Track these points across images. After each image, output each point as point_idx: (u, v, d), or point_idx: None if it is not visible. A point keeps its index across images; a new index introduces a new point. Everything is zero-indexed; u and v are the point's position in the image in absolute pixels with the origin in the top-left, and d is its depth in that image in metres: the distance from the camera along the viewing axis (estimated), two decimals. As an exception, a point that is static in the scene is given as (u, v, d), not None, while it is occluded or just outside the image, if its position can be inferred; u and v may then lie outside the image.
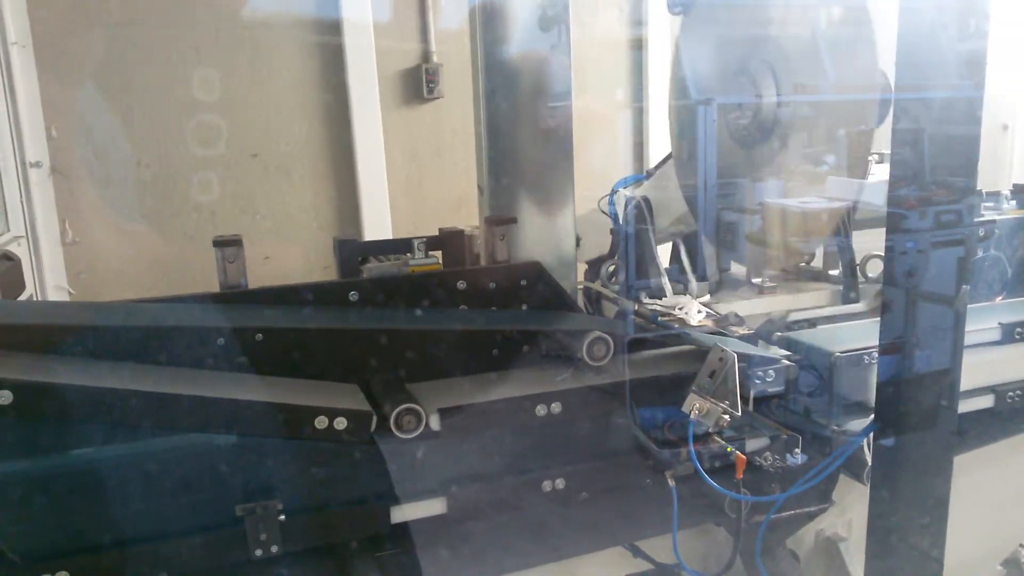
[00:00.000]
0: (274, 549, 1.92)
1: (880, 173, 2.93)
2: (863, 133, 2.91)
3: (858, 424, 2.41)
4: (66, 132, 4.97)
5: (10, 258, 2.38)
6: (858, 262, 3.01)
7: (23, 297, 2.46)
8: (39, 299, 4.70)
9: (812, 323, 2.86)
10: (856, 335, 2.59)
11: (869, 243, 2.95)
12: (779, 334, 2.63)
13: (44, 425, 1.80)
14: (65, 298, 5.02)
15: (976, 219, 2.28)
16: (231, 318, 2.16)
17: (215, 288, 2.28)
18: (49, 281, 4.95)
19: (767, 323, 2.82)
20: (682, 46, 3.17)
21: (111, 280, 5.19)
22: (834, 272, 3.10)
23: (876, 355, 2.37)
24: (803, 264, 3.17)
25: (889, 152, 2.18)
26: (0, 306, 2.16)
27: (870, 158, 2.99)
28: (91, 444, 1.85)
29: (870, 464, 2.36)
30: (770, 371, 2.36)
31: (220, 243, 2.27)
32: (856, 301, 2.97)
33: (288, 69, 5.46)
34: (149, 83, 5.11)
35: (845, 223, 2.92)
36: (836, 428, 2.43)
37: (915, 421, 2.23)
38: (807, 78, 2.95)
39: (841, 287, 3.01)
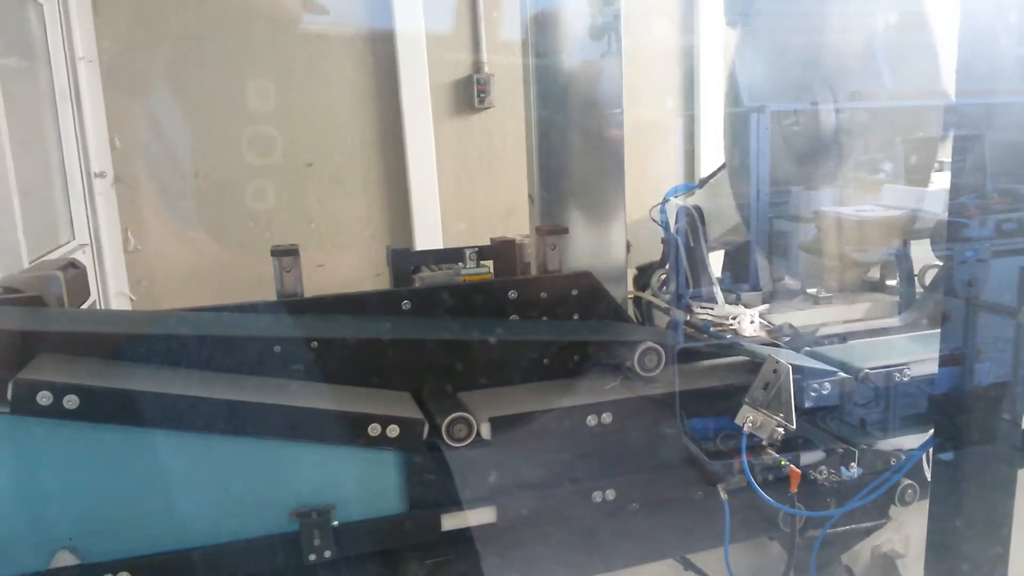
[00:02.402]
0: (328, 554, 1.95)
1: (939, 181, 2.86)
2: (927, 141, 2.84)
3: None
4: (129, 143, 5.12)
5: (76, 266, 2.45)
6: (916, 272, 2.94)
7: (87, 304, 2.53)
8: (103, 306, 4.84)
9: (843, 337, 2.78)
10: (888, 351, 2.54)
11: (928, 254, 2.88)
12: (807, 348, 2.57)
13: (107, 429, 1.85)
14: (127, 305, 5.15)
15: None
16: (287, 326, 2.20)
17: (271, 296, 2.33)
18: (112, 288, 5.08)
19: (795, 337, 2.74)
20: (738, 57, 3.13)
21: (170, 287, 5.32)
22: (892, 283, 3.04)
23: (907, 372, 2.34)
24: (866, 276, 3.10)
25: (949, 160, 2.14)
26: (67, 313, 2.23)
27: (933, 166, 2.93)
28: (152, 449, 1.89)
29: (929, 479, 2.31)
30: (825, 383, 2.32)
31: (277, 253, 2.32)
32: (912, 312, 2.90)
33: (342, 80, 5.55)
34: (208, 95, 5.24)
35: (904, 233, 2.86)
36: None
37: (976, 435, 2.18)
38: (866, 86, 2.89)
39: (898, 298, 2.94)
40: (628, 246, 2.73)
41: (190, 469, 1.91)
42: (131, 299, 5.22)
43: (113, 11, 4.94)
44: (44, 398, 1.75)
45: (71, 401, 1.76)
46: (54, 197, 4.58)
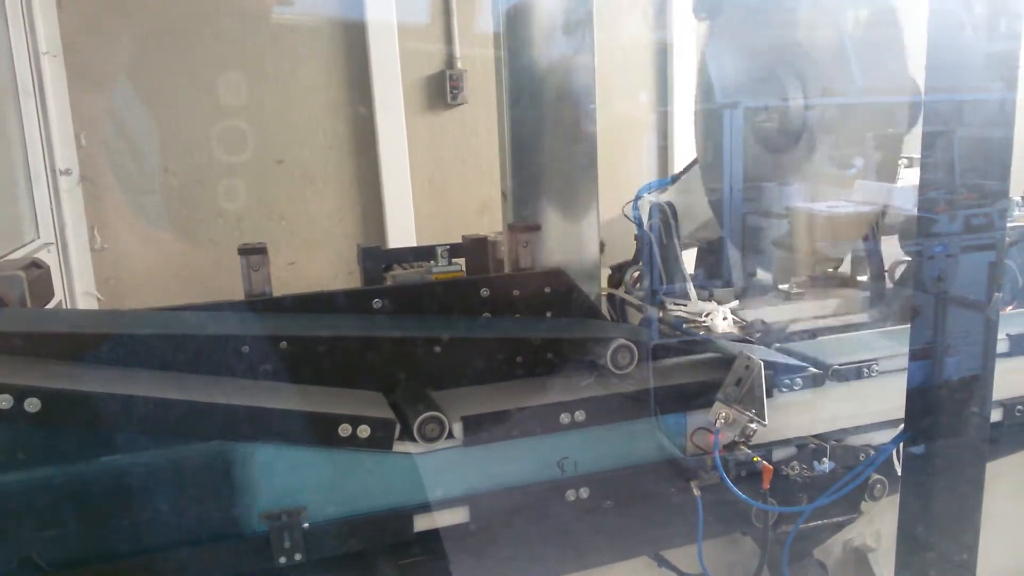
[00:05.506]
0: (298, 557, 1.92)
1: (910, 177, 2.88)
2: (893, 137, 2.86)
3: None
4: (95, 140, 5.03)
5: (39, 265, 2.40)
6: (887, 268, 2.97)
7: (52, 304, 2.48)
8: (68, 306, 4.76)
9: (814, 333, 2.79)
10: (856, 346, 2.56)
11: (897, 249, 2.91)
12: (778, 344, 2.58)
13: (71, 432, 1.81)
14: (94, 304, 5.07)
15: (1009, 224, 2.23)
16: (256, 326, 2.17)
17: (240, 295, 2.29)
18: (78, 287, 5.00)
19: (767, 333, 2.74)
20: (708, 51, 3.14)
21: (138, 286, 5.24)
22: (862, 278, 3.06)
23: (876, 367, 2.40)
24: (830, 270, 3.12)
25: (919, 156, 2.15)
26: (29, 314, 2.18)
27: (900, 162, 2.94)
28: (116, 451, 1.86)
29: (900, 474, 2.32)
30: (797, 379, 2.33)
31: (245, 251, 2.28)
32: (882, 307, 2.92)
33: (313, 75, 5.50)
34: (176, 90, 5.16)
35: (874, 228, 2.88)
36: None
37: (946, 429, 2.19)
38: (835, 82, 2.91)
39: (868, 293, 2.96)
40: (602, 246, 2.72)
41: (156, 472, 1.87)
42: (98, 298, 5.13)
43: (77, 4, 4.85)
44: (4, 401, 1.71)
45: (32, 404, 1.72)
46: (17, 195, 4.49)
